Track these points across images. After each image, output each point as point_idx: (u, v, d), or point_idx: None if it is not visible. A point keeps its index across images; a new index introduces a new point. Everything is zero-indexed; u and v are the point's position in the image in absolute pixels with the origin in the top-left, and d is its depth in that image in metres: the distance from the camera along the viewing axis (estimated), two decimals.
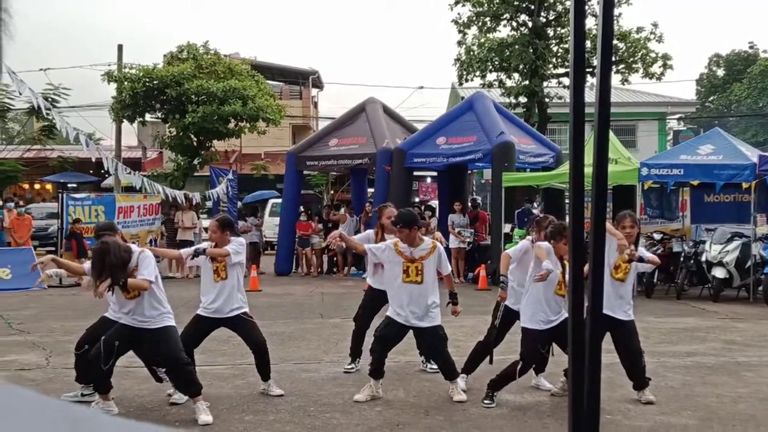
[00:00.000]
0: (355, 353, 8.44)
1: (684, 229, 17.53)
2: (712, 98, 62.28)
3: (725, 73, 62.63)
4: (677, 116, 46.90)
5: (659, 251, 14.95)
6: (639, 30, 28.50)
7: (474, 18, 28.43)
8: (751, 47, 61.40)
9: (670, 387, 7.41)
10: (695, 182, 15.68)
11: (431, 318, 7.14)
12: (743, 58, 60.64)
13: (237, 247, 7.28)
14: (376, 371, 7.17)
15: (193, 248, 7.60)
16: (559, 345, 7.00)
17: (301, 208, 21.11)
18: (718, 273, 14.45)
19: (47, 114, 16.51)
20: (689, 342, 10.12)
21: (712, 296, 14.53)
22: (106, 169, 16.93)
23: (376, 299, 8.25)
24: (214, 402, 6.92)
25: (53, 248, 20.55)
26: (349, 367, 8.37)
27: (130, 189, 21.45)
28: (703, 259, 14.71)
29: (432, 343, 7.24)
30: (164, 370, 6.90)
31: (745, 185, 14.77)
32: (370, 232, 8.54)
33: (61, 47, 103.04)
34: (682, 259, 15.04)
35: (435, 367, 8.01)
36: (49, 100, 20.95)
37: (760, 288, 14.29)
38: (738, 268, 14.46)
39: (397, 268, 7.15)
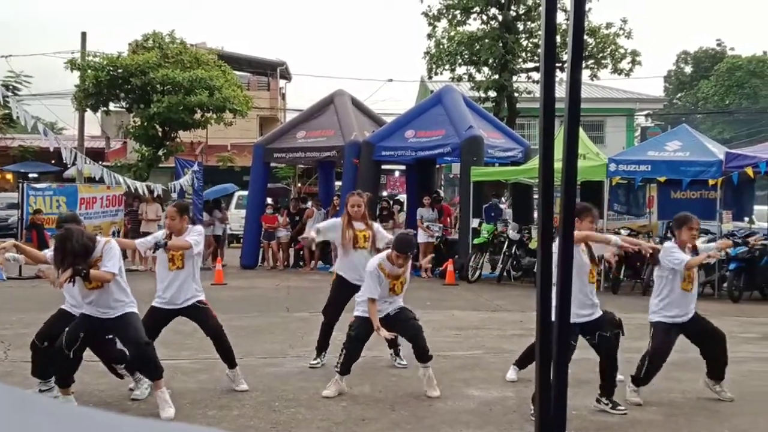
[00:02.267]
0: (322, 347, 8.33)
1: (651, 226, 17.66)
2: (679, 95, 63.02)
3: (693, 71, 63.38)
4: (645, 113, 47.39)
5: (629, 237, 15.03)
6: (608, 26, 28.69)
7: (444, 11, 28.44)
8: (718, 45, 62.26)
9: None
10: (662, 178, 15.78)
11: (397, 303, 7.36)
12: (711, 55, 61.41)
13: (197, 237, 7.14)
14: (346, 369, 7.11)
15: (151, 239, 7.39)
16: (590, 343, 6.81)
17: (269, 201, 20.94)
18: None
19: (5, 102, 16.20)
20: None
21: None
22: (64, 158, 16.65)
23: (344, 291, 8.17)
24: (177, 396, 6.81)
25: (13, 239, 20.24)
26: (315, 362, 8.25)
27: (92, 180, 21.15)
28: None
29: (407, 321, 7.24)
30: (123, 366, 6.78)
31: (711, 182, 14.90)
32: (337, 220, 8.46)
33: (23, 34, 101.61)
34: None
35: (405, 363, 8.01)
36: (10, 87, 20.61)
37: (725, 285, 14.43)
38: (703, 264, 14.57)
39: (385, 290, 7.22)
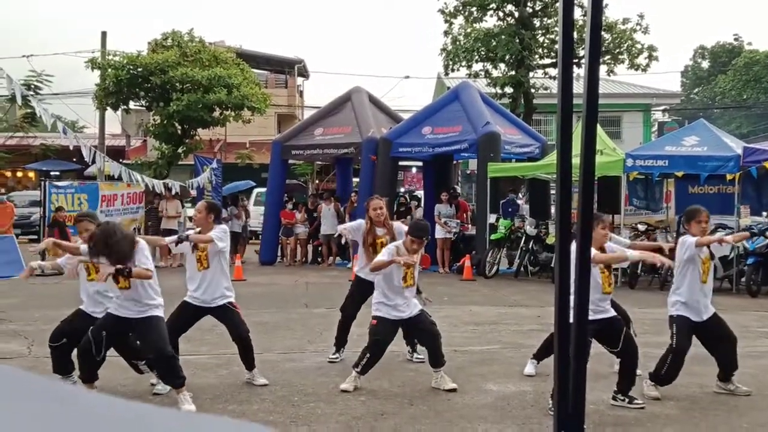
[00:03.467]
0: (340, 343, 8.41)
1: (668, 221, 17.59)
2: (697, 90, 62.61)
3: (710, 65, 62.95)
4: (662, 108, 47.09)
5: (643, 242, 14.99)
6: (625, 21, 28.56)
7: (460, 8, 28.41)
8: (735, 39, 61.80)
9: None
10: (680, 173, 15.73)
11: (415, 305, 7.33)
12: (728, 50, 60.94)
13: (220, 233, 7.22)
14: (367, 371, 7.17)
15: (176, 236, 7.55)
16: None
17: (293, 198, 21.06)
18: None
19: (28, 101, 16.35)
20: None
21: None
22: (85, 157, 16.79)
23: (362, 289, 8.23)
24: (197, 391, 6.89)
25: (36, 236, 20.43)
26: (334, 356, 8.33)
27: (112, 177, 21.31)
28: None
29: (427, 328, 7.25)
30: (144, 362, 6.86)
31: (729, 177, 14.83)
32: (361, 222, 8.48)
33: (45, 34, 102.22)
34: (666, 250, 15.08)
35: (421, 357, 8.02)
36: (32, 87, 20.78)
37: (743, 279, 14.37)
38: (721, 259, 14.52)
39: (398, 277, 7.22)
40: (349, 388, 7.03)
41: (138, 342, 6.77)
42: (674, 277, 7.20)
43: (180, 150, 25.18)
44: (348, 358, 7.97)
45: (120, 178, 18.85)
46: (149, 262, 6.44)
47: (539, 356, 7.62)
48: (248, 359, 7.31)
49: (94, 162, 18.14)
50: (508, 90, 28.30)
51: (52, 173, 30.68)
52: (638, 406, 6.51)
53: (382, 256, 7.21)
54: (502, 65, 28.55)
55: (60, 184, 19.82)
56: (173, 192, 19.89)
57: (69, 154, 26.41)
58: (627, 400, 6.57)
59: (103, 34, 26.39)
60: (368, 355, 7.13)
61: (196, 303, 7.22)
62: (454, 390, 7.02)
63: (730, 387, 7.06)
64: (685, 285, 6.97)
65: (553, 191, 18.88)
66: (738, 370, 7.12)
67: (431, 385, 7.20)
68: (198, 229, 7.39)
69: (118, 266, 6.16)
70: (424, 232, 7.29)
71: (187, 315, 7.24)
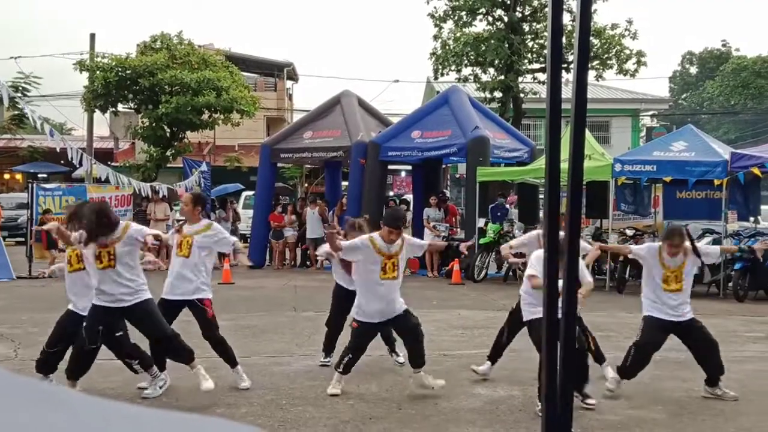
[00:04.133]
0: (329, 350, 8.36)
1: (656, 225, 17.66)
2: (685, 95, 62.90)
3: (698, 71, 63.26)
4: (650, 113, 47.29)
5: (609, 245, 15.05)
6: (614, 27, 28.67)
7: (450, 12, 28.46)
8: (723, 45, 62.08)
9: (641, 381, 7.45)
10: (668, 178, 15.80)
11: (399, 305, 7.18)
12: (716, 56, 61.25)
13: (222, 231, 7.49)
14: (349, 370, 7.16)
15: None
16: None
17: (282, 200, 21.04)
18: None
19: (16, 103, 16.30)
20: None
21: None
22: (70, 159, 16.74)
23: (345, 300, 8.07)
24: (184, 396, 6.88)
25: (23, 239, 20.33)
26: (325, 360, 8.27)
27: (101, 180, 21.23)
28: None
29: (411, 328, 7.13)
30: (137, 361, 6.84)
31: (717, 182, 14.90)
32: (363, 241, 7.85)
33: (32, 36, 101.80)
34: None
35: (402, 360, 8.00)
36: (20, 89, 20.69)
37: (730, 284, 14.44)
38: (708, 264, 14.59)
39: (375, 266, 7.02)
40: (336, 391, 7.00)
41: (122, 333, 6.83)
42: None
43: (168, 153, 25.13)
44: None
45: (107, 181, 18.78)
46: (148, 231, 6.93)
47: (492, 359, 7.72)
48: (225, 357, 7.33)
49: (81, 164, 18.07)
50: (497, 94, 28.37)
51: (39, 175, 30.54)
52: (589, 406, 6.60)
53: (351, 245, 7.15)
54: (492, 70, 28.61)
55: (47, 186, 19.72)
56: (161, 195, 19.83)
57: (57, 156, 26.33)
58: (580, 397, 6.64)
59: (92, 36, 26.30)
60: (350, 355, 7.11)
61: (166, 296, 7.32)
62: (433, 388, 7.01)
63: (717, 392, 7.10)
64: (648, 287, 7.22)
65: (541, 196, 18.93)
66: (725, 374, 7.15)
67: (411, 388, 7.19)
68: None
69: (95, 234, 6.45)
70: (398, 220, 7.10)
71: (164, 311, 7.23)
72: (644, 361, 7.05)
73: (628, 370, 7.07)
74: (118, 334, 6.75)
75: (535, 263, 6.70)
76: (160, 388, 6.94)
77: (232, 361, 7.32)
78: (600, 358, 7.49)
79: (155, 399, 6.83)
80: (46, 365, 6.97)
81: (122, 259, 6.57)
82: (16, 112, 22.44)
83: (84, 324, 6.58)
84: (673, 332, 7.13)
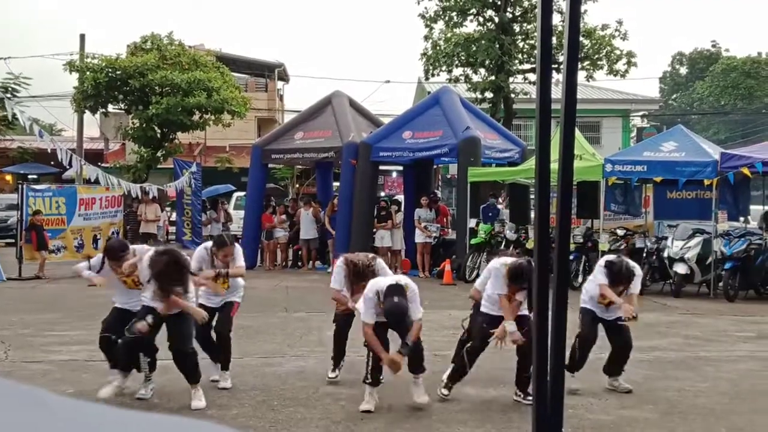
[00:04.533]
0: (339, 357, 7.69)
1: (647, 225, 17.70)
2: (675, 96, 63.12)
3: (688, 72, 63.52)
4: (641, 113, 47.43)
5: (622, 247, 15.09)
6: (604, 27, 28.73)
7: (441, 13, 28.47)
8: (713, 46, 62.38)
9: (632, 381, 7.48)
10: (658, 179, 15.84)
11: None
12: (706, 56, 61.51)
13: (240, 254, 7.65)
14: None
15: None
16: None
17: (273, 201, 21.01)
18: (680, 269, 14.62)
19: (2, 104, 16.24)
20: (651, 337, 10.22)
21: (674, 292, 14.68)
22: (60, 160, 16.71)
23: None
24: (177, 397, 6.87)
25: (12, 240, 20.25)
26: (332, 375, 7.61)
27: (90, 181, 21.19)
28: (665, 255, 14.86)
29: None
30: (149, 360, 6.84)
31: (707, 182, 14.94)
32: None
33: (22, 36, 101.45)
34: (644, 255, 15.18)
35: None
36: (9, 89, 20.62)
37: (721, 284, 14.49)
38: (699, 264, 14.64)
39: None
40: (370, 407, 6.58)
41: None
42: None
43: (159, 153, 25.09)
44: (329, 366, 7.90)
45: (97, 182, 18.73)
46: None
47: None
48: (218, 358, 7.48)
49: (70, 165, 18.02)
50: (488, 95, 28.39)
51: (29, 176, 30.45)
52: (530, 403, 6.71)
53: (365, 304, 6.72)
54: (482, 70, 28.64)
55: (38, 187, 19.64)
56: (151, 196, 19.79)
57: (47, 157, 26.24)
58: (522, 395, 6.86)
59: (82, 37, 26.24)
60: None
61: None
62: (422, 404, 6.68)
63: (615, 383, 7.34)
64: (590, 286, 7.41)
65: (532, 196, 18.96)
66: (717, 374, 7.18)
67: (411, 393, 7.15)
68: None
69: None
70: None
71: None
72: (586, 353, 7.30)
73: (573, 363, 7.21)
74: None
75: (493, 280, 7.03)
76: (150, 390, 6.95)
77: (226, 363, 7.37)
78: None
79: (148, 400, 6.81)
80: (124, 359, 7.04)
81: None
82: (5, 113, 22.37)
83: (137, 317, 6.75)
84: (605, 326, 7.43)
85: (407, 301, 6.52)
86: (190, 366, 6.76)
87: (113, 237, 18.00)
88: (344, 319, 7.61)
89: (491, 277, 7.13)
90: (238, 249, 7.55)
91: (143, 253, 6.92)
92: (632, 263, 7.44)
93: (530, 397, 6.67)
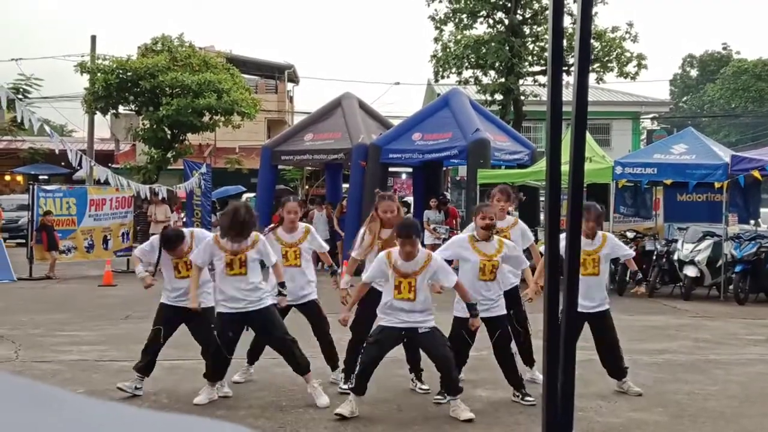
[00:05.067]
0: (350, 369, 7.14)
1: (657, 228, 17.66)
2: (685, 98, 62.95)
3: (699, 74, 63.34)
4: (651, 116, 47.26)
5: (632, 249, 15.03)
6: (614, 29, 28.64)
7: (451, 15, 28.44)
8: (724, 48, 62.22)
9: (642, 384, 7.46)
10: (668, 181, 15.80)
11: (421, 318, 6.45)
12: (716, 59, 61.32)
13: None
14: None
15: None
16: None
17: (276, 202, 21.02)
18: (690, 272, 14.57)
19: (13, 105, 16.30)
20: (661, 340, 10.20)
21: (684, 295, 14.64)
22: (71, 161, 16.79)
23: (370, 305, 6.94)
24: (185, 396, 6.89)
25: (23, 240, 20.34)
26: (344, 387, 7.19)
27: (100, 182, 21.25)
28: (675, 257, 14.82)
29: (436, 348, 6.41)
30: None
31: (717, 185, 14.90)
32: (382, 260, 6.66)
33: (34, 38, 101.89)
34: (654, 257, 15.15)
35: (427, 388, 7.24)
36: (20, 90, 20.71)
37: (731, 287, 14.44)
38: (709, 267, 14.59)
39: (390, 287, 6.39)
40: (345, 413, 6.38)
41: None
42: None
43: (169, 155, 25.14)
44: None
45: (107, 183, 18.80)
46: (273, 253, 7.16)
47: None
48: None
49: (80, 166, 18.08)
50: (498, 97, 28.35)
51: (40, 177, 30.57)
52: (529, 403, 6.76)
53: (373, 266, 6.61)
54: (492, 72, 28.59)
55: (48, 188, 19.73)
56: (160, 197, 19.84)
57: (57, 158, 26.36)
58: (520, 396, 6.91)
59: (93, 38, 26.35)
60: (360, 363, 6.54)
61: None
62: (470, 420, 6.29)
63: (624, 386, 7.29)
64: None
65: (542, 198, 18.93)
66: (726, 377, 7.15)
67: (426, 378, 7.19)
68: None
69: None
70: (408, 228, 6.35)
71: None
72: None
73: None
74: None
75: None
76: (138, 388, 7.01)
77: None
78: (529, 361, 7.61)
79: (155, 400, 6.83)
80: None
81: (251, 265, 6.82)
82: (16, 114, 22.47)
83: (217, 330, 6.81)
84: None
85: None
86: (298, 354, 6.87)
87: (122, 237, 18.05)
88: (365, 327, 7.01)
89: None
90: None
91: (203, 238, 7.13)
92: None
93: (529, 398, 6.75)
